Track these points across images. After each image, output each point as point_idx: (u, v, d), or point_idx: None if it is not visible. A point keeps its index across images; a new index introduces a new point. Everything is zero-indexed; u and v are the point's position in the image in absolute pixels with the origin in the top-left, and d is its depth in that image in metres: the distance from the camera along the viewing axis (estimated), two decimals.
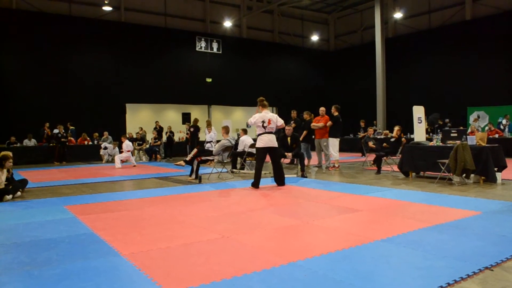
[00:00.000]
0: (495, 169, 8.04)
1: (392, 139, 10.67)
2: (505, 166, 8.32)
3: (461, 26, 20.55)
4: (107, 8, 19.49)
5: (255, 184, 8.00)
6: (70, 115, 18.09)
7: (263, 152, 8.07)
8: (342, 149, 12.83)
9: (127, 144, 13.75)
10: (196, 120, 15.55)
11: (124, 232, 4.63)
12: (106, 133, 16.96)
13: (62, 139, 16.01)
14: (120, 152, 14.22)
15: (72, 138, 17.09)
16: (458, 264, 3.28)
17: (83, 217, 5.42)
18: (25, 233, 4.62)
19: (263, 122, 8.03)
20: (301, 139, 12.07)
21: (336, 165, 11.44)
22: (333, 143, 11.46)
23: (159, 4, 21.83)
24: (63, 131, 16.26)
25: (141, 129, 18.07)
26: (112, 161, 14.67)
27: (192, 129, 15.41)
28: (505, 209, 5.46)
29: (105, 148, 16.03)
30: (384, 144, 10.93)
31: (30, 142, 16.27)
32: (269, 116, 8.12)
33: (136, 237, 4.36)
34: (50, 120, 16.96)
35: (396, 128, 10.67)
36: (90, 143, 17.43)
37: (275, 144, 8.15)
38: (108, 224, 5.02)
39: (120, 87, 19.84)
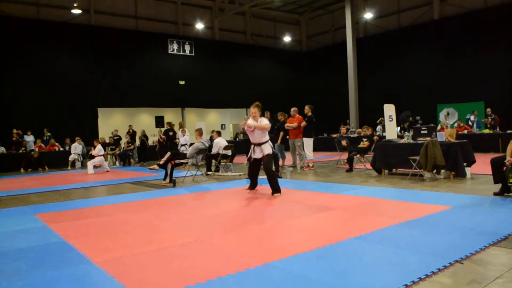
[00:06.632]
0: (464, 164, 8.24)
1: (364, 139, 10.81)
2: (473, 161, 8.55)
3: (429, 25, 21.06)
4: (76, 11, 19.12)
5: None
6: (40, 121, 17.62)
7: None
8: (316, 148, 12.92)
9: (99, 149, 13.51)
10: (168, 124, 15.28)
11: (97, 239, 4.54)
12: (78, 138, 16.60)
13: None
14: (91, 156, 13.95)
15: (42, 145, 16.66)
16: (430, 258, 3.34)
17: (54, 225, 5.29)
18: None
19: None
20: (279, 142, 12.08)
21: (311, 165, 11.52)
22: (307, 143, 11.54)
23: (130, 7, 21.53)
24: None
25: (115, 131, 17.80)
26: (84, 166, 14.38)
27: (170, 133, 15.13)
28: (474, 203, 5.60)
29: (75, 148, 15.86)
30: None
31: None
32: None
33: (108, 244, 4.28)
34: (18, 126, 16.54)
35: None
36: (61, 149, 17.03)
37: None
38: (80, 232, 4.92)
39: (92, 91, 19.44)
